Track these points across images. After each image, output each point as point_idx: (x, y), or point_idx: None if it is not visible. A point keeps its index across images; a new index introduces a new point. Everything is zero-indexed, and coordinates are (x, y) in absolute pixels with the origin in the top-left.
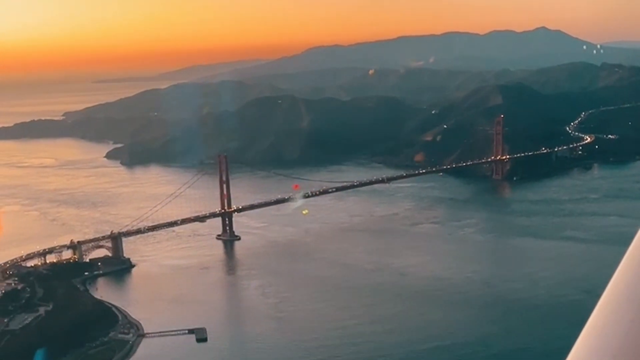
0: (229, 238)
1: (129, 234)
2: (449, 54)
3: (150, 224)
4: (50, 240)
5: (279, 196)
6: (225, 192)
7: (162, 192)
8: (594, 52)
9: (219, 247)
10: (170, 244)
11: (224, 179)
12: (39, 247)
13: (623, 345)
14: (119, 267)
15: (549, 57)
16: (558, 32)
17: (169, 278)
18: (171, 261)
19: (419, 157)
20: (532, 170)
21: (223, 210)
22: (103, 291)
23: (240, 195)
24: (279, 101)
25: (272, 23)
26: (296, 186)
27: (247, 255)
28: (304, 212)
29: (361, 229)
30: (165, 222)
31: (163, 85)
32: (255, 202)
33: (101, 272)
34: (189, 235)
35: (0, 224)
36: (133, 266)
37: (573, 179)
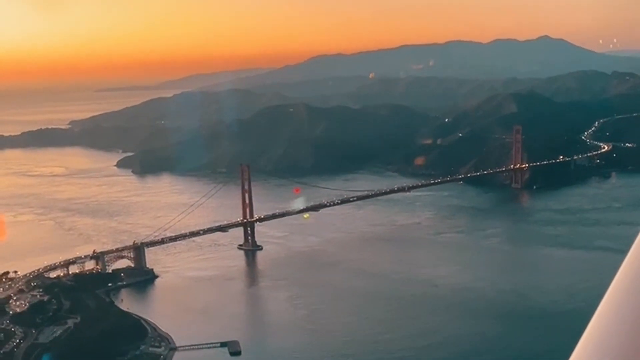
0: (251, 248)
1: (151, 244)
2: (452, 62)
3: (173, 234)
4: (69, 251)
5: (301, 205)
6: (247, 201)
7: (177, 201)
8: (599, 60)
9: (241, 258)
10: (192, 254)
11: (246, 188)
12: (59, 258)
13: (624, 346)
14: (142, 278)
15: (552, 66)
16: (561, 41)
17: (193, 289)
18: (194, 272)
19: (434, 166)
20: (551, 179)
21: (245, 220)
22: (129, 303)
23: (258, 204)
24: (291, 109)
25: (273, 32)
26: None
27: (272, 266)
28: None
29: (384, 239)
30: (187, 232)
31: (165, 93)
32: (276, 211)
33: (125, 283)
34: (209, 245)
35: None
36: (156, 277)
37: (593, 187)
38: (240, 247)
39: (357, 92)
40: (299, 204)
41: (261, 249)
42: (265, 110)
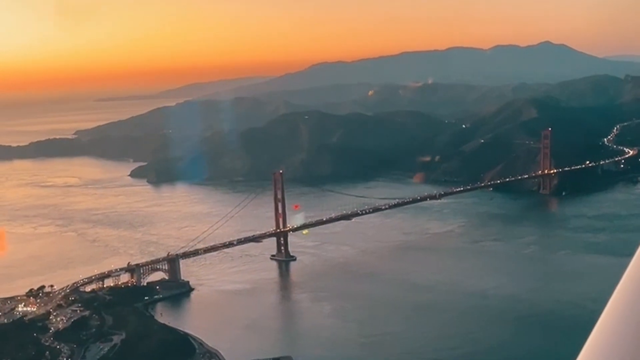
0: (284, 259)
1: (186, 255)
2: (453, 69)
3: (207, 245)
4: (98, 263)
5: (333, 214)
6: (280, 210)
7: (199, 210)
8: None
9: (276, 269)
10: (225, 266)
11: (279, 197)
12: (90, 270)
13: (630, 348)
14: (178, 291)
15: (554, 71)
16: (562, 46)
17: (233, 302)
18: (231, 284)
19: (457, 172)
20: (579, 184)
21: (278, 230)
22: (169, 317)
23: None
24: (306, 117)
25: (273, 41)
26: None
27: (308, 277)
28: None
29: (419, 248)
30: (221, 243)
31: (165, 102)
32: (308, 220)
33: (161, 296)
34: (240, 256)
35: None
36: (192, 290)
37: (622, 193)
38: (273, 257)
39: (365, 99)
40: (330, 212)
41: (295, 259)
42: (279, 118)
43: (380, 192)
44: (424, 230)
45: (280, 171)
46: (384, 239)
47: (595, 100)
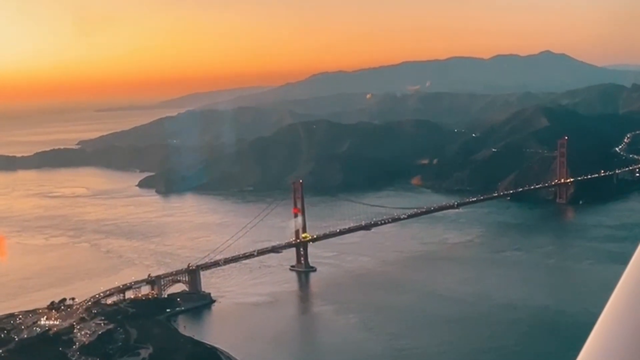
0: (304, 269)
1: (206, 266)
2: (454, 78)
3: (227, 256)
4: (114, 275)
5: (350, 223)
6: (299, 220)
7: (210, 221)
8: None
9: (297, 280)
10: (244, 277)
11: (298, 206)
12: (107, 282)
13: (629, 349)
14: (199, 303)
15: (555, 80)
16: (563, 56)
17: (256, 315)
18: (252, 296)
19: (470, 181)
20: (595, 193)
21: (298, 240)
22: (193, 330)
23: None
24: (314, 126)
25: (272, 50)
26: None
27: (330, 288)
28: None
29: (440, 257)
30: (241, 253)
31: (166, 112)
32: (328, 230)
33: (182, 308)
34: (259, 267)
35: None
36: (213, 302)
37: (639, 202)
38: (292, 268)
39: (369, 109)
40: (345, 222)
41: (315, 270)
42: (287, 127)
43: (392, 201)
44: (443, 240)
45: (300, 181)
46: (402, 249)
47: (602, 108)
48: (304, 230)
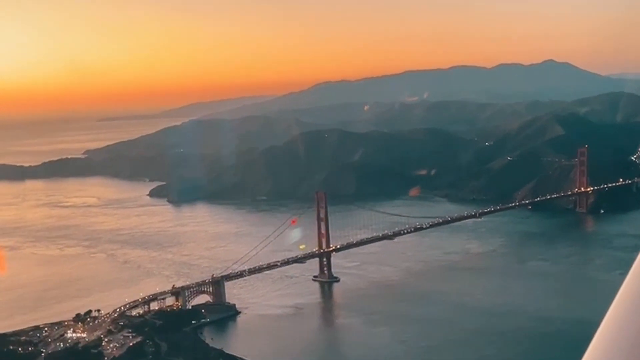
0: (327, 280)
1: (230, 277)
2: (457, 87)
3: (251, 267)
4: (135, 285)
5: (372, 233)
6: (322, 230)
7: (225, 230)
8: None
9: (320, 291)
10: (267, 288)
11: (322, 216)
12: (130, 293)
13: (633, 348)
14: (225, 315)
15: (558, 89)
16: (566, 65)
17: (284, 327)
18: (277, 308)
19: (485, 190)
20: (615, 202)
21: (321, 250)
22: (220, 342)
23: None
24: (326, 135)
25: (274, 60)
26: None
27: (356, 299)
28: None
29: (464, 268)
30: (265, 264)
31: (168, 122)
32: (351, 239)
33: (208, 320)
34: (281, 277)
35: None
36: (238, 313)
37: None
38: (315, 278)
39: (375, 117)
40: (369, 231)
41: (338, 280)
42: (299, 136)
43: (409, 210)
44: (465, 250)
45: (324, 192)
46: (425, 259)
47: (613, 117)
48: (328, 241)
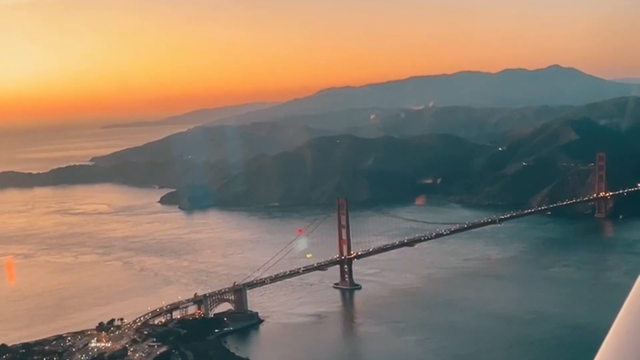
0: (349, 287)
1: (252, 285)
2: (462, 93)
3: (272, 274)
4: (153, 294)
5: (390, 239)
6: (344, 237)
7: (241, 237)
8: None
9: (343, 298)
10: (288, 295)
11: (343, 223)
12: (150, 301)
13: None
14: (247, 323)
15: (565, 94)
16: (571, 70)
17: (308, 335)
18: (300, 316)
19: (501, 196)
20: (634, 207)
21: (343, 257)
22: (245, 351)
23: (332, 239)
24: (337, 141)
25: (277, 66)
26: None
27: (380, 307)
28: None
29: (487, 274)
30: (287, 271)
31: (173, 129)
32: (373, 246)
33: (231, 328)
34: (300, 285)
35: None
36: (261, 321)
37: None
38: (336, 286)
39: (383, 123)
40: (389, 238)
41: (360, 288)
42: (310, 142)
43: (424, 216)
44: (485, 256)
45: (345, 198)
46: (445, 265)
47: (625, 122)
48: (349, 247)
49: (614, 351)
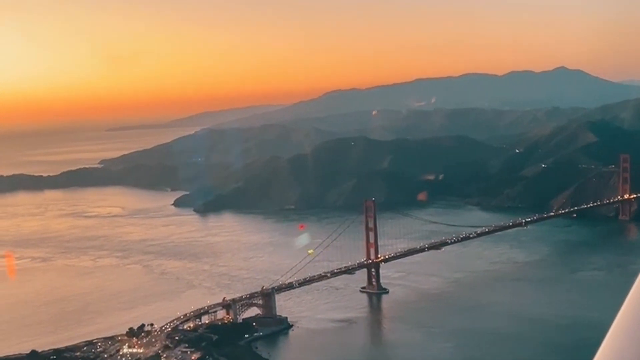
0: (377, 291)
1: (281, 289)
2: (468, 95)
3: (301, 278)
4: (177, 298)
5: (415, 241)
6: (371, 240)
7: (259, 240)
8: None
9: (371, 303)
10: (316, 300)
11: (371, 225)
12: (177, 306)
13: None
14: (277, 328)
15: (572, 96)
16: (578, 72)
17: (339, 341)
18: (330, 321)
19: (521, 198)
20: None
21: (370, 261)
22: (277, 357)
23: (354, 242)
24: (352, 143)
25: (282, 69)
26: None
27: (411, 311)
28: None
29: (514, 278)
30: (315, 275)
31: (179, 131)
32: (400, 250)
33: (261, 333)
34: (326, 289)
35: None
36: (290, 326)
37: None
38: (363, 290)
39: (393, 125)
40: (412, 240)
41: (387, 292)
42: (325, 144)
43: (444, 219)
44: (510, 259)
45: (373, 199)
46: (471, 269)
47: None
48: (376, 251)
49: (613, 351)
